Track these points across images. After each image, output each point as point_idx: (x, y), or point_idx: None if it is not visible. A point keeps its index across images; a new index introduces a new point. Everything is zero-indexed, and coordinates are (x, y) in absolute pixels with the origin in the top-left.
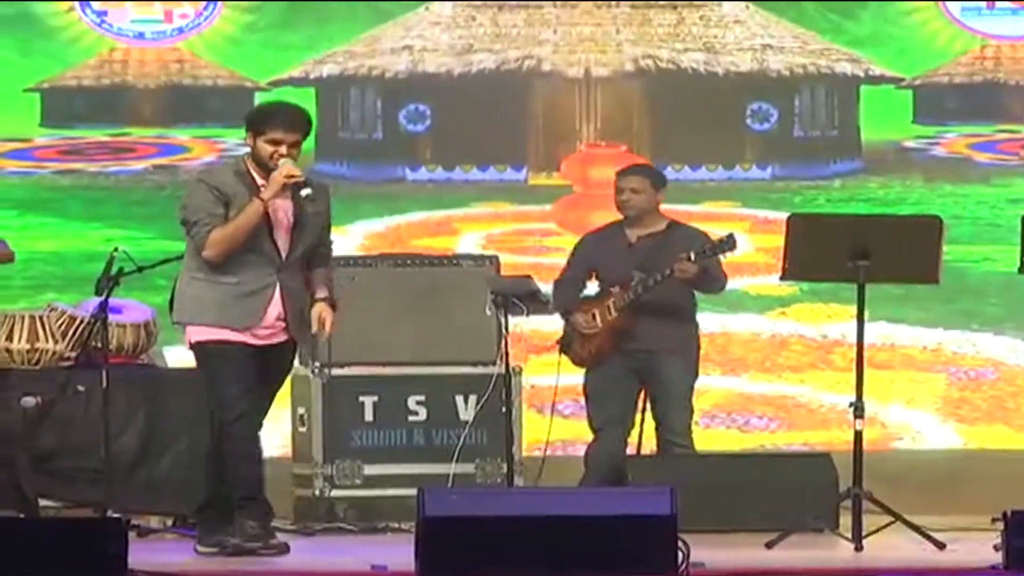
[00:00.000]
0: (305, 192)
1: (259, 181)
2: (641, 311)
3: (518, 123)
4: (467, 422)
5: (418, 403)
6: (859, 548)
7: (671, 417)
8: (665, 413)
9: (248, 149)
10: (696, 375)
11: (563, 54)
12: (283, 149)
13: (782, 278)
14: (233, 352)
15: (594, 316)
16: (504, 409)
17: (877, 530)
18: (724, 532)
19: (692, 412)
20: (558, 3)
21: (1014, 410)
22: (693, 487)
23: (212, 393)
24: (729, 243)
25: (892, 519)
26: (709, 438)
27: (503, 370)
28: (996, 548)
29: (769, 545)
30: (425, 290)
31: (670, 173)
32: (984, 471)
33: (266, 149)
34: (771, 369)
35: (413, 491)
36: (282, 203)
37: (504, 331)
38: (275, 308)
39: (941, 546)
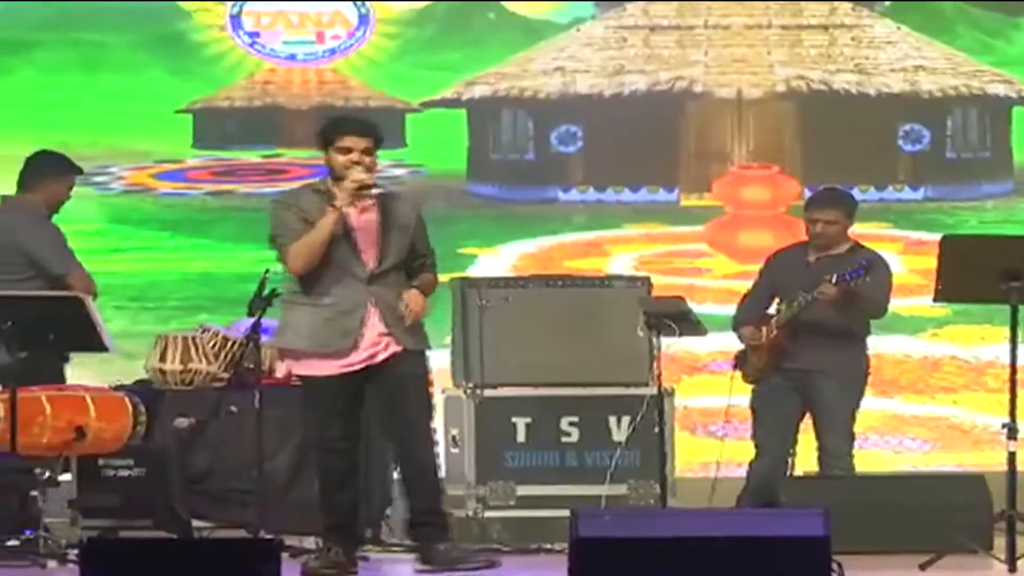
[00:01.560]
0: (374, 192)
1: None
2: (802, 331)
3: (670, 144)
4: (620, 443)
5: (571, 424)
6: (1013, 570)
7: (828, 439)
8: (823, 435)
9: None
10: (858, 399)
11: (715, 75)
12: (355, 156)
13: (935, 299)
14: (325, 388)
15: (760, 331)
16: (657, 430)
17: None
18: (878, 553)
19: (852, 435)
20: (710, 25)
21: None
22: (846, 508)
23: (307, 426)
24: (864, 269)
25: None
26: (862, 459)
27: (656, 391)
28: None
29: (923, 566)
30: (577, 311)
31: None
32: None
33: (338, 159)
34: (924, 390)
35: (566, 512)
36: (367, 216)
37: (656, 352)
38: (374, 325)
39: None
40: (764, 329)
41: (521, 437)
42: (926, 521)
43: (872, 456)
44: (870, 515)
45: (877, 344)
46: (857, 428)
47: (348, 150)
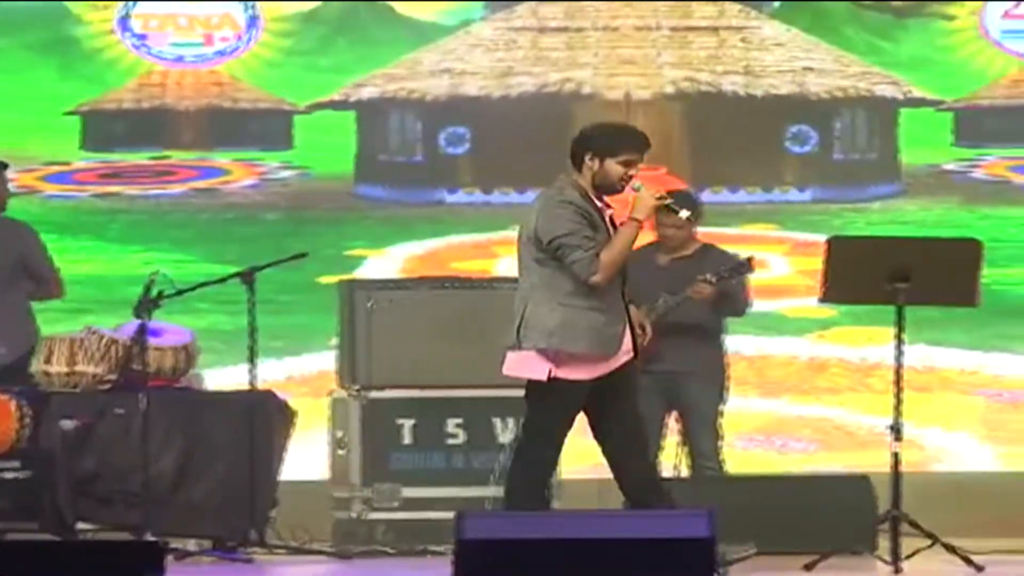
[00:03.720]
0: (684, 213)
1: (597, 203)
2: (666, 333)
3: (558, 146)
4: (505, 445)
5: (457, 426)
6: (897, 571)
7: (698, 440)
8: (693, 435)
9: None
10: (723, 398)
11: (603, 77)
12: (633, 171)
13: (821, 300)
14: (579, 392)
15: None
16: None
17: (915, 552)
18: (763, 554)
19: (720, 434)
20: (598, 26)
21: None
22: (732, 509)
23: (541, 430)
24: (746, 266)
25: (930, 541)
26: (748, 461)
27: None
28: None
29: (808, 567)
30: (464, 313)
31: (709, 196)
32: (1023, 493)
33: (617, 171)
34: (810, 392)
35: (451, 514)
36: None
37: None
38: (627, 332)
39: (980, 569)
40: None
41: (407, 439)
42: (811, 522)
43: (757, 457)
44: (755, 516)
45: (763, 345)
46: (743, 429)
47: (631, 164)
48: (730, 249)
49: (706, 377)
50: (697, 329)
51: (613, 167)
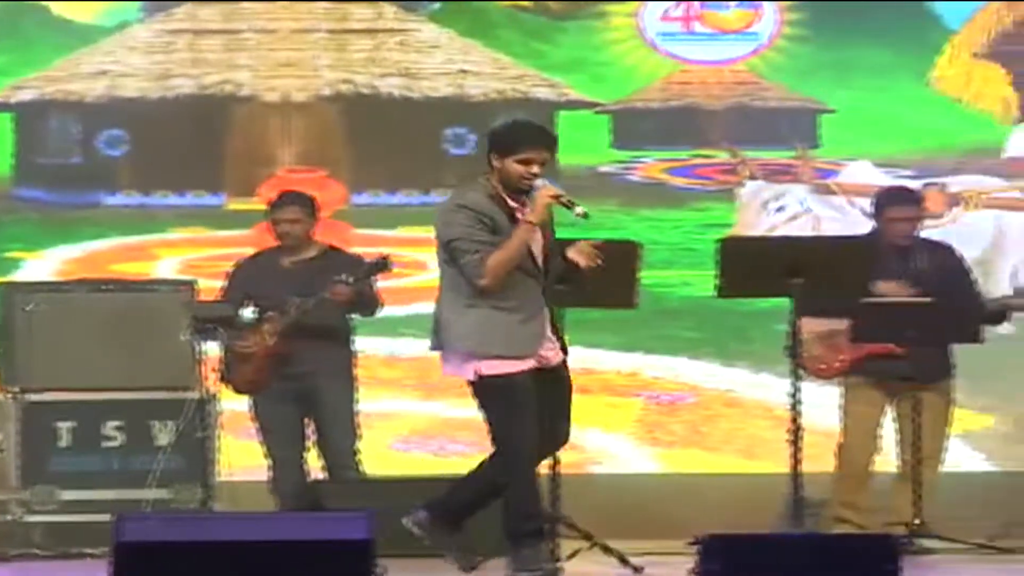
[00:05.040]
0: (579, 211)
1: (511, 203)
2: (299, 335)
3: (216, 148)
4: (163, 447)
5: (115, 428)
6: (556, 571)
7: (336, 440)
8: (330, 436)
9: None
10: (356, 397)
11: (261, 79)
12: (535, 168)
13: None
14: (520, 383)
15: (251, 342)
16: (200, 434)
17: (574, 554)
18: (423, 557)
19: (357, 434)
20: (256, 29)
21: (709, 434)
22: (388, 512)
23: (500, 428)
24: (382, 265)
25: (589, 543)
26: (405, 463)
27: (199, 395)
28: (691, 571)
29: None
30: (122, 315)
31: (368, 198)
32: (680, 495)
33: (517, 169)
34: (467, 394)
35: (109, 516)
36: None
37: (201, 356)
38: (547, 330)
39: (637, 569)
40: (255, 339)
41: (65, 441)
42: (469, 524)
43: (415, 460)
44: None
45: (423, 348)
46: (401, 431)
47: (529, 162)
48: (383, 252)
49: (339, 378)
50: (329, 331)
51: (512, 166)
